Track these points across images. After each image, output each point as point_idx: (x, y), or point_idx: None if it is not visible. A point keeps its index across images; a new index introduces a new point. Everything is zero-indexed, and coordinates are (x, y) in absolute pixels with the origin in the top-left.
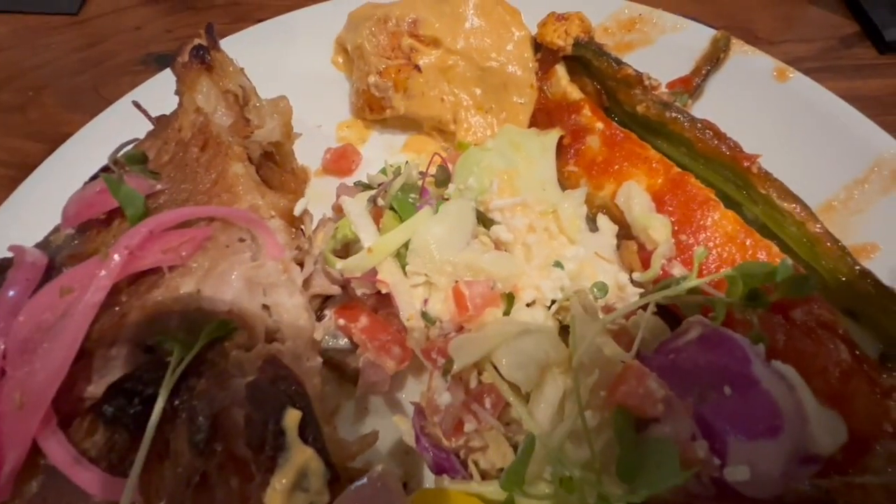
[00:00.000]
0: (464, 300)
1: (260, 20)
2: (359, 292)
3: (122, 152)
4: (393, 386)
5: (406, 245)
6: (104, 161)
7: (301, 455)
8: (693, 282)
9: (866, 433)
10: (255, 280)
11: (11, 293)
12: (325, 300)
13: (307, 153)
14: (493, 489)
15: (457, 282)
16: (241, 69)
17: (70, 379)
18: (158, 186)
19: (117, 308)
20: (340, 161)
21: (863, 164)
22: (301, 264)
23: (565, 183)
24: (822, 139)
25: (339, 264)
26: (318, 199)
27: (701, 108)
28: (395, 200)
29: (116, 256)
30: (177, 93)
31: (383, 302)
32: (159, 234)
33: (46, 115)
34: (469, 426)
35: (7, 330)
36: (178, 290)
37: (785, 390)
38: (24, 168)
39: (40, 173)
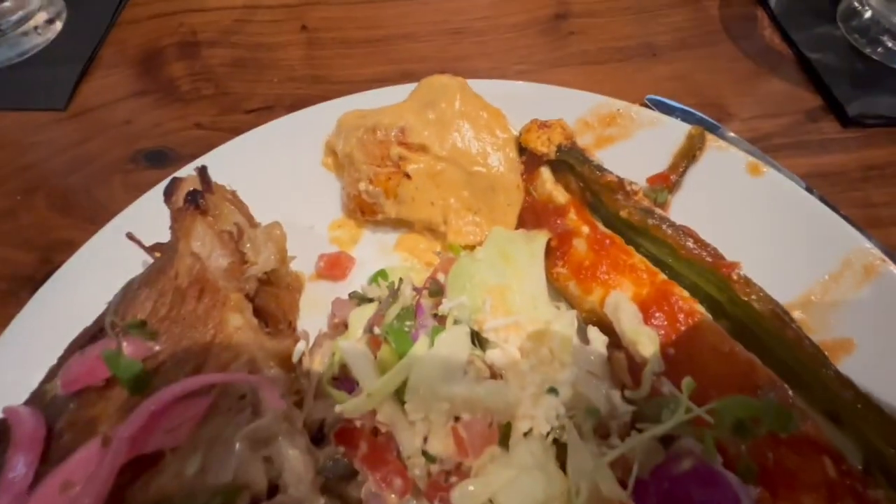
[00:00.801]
0: (463, 443)
1: (247, 111)
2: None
3: (117, 303)
4: None
5: (405, 383)
6: (98, 289)
7: None
8: (683, 414)
9: None
10: (256, 437)
11: (13, 475)
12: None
13: (300, 255)
14: None
15: (455, 422)
16: (234, 194)
17: None
18: (157, 348)
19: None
20: (334, 268)
21: (836, 260)
22: (300, 403)
23: (554, 284)
24: (796, 234)
25: (338, 407)
26: (312, 305)
27: (680, 201)
28: (392, 332)
29: (119, 446)
30: (171, 229)
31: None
32: (160, 411)
33: (38, 219)
34: None
35: None
36: (183, 473)
37: None
38: (16, 280)
39: (33, 305)
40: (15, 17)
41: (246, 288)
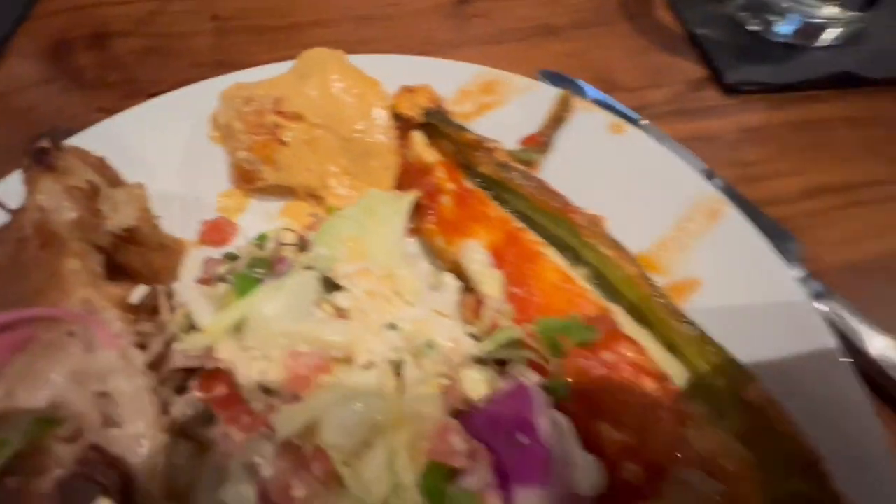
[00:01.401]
0: (296, 374)
1: (151, 94)
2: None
3: None
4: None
5: (244, 323)
6: None
7: None
8: (508, 337)
9: (665, 461)
10: (86, 371)
11: None
12: (193, 372)
13: (187, 224)
14: None
15: (289, 354)
16: (100, 160)
17: None
18: None
19: None
20: (215, 233)
21: (686, 206)
22: (143, 346)
23: (425, 240)
24: (650, 185)
25: (177, 346)
26: (196, 270)
27: (553, 161)
28: (237, 276)
29: None
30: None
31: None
32: None
33: None
34: (298, 492)
35: None
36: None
37: (557, 438)
38: None
39: None
40: None
41: (98, 241)
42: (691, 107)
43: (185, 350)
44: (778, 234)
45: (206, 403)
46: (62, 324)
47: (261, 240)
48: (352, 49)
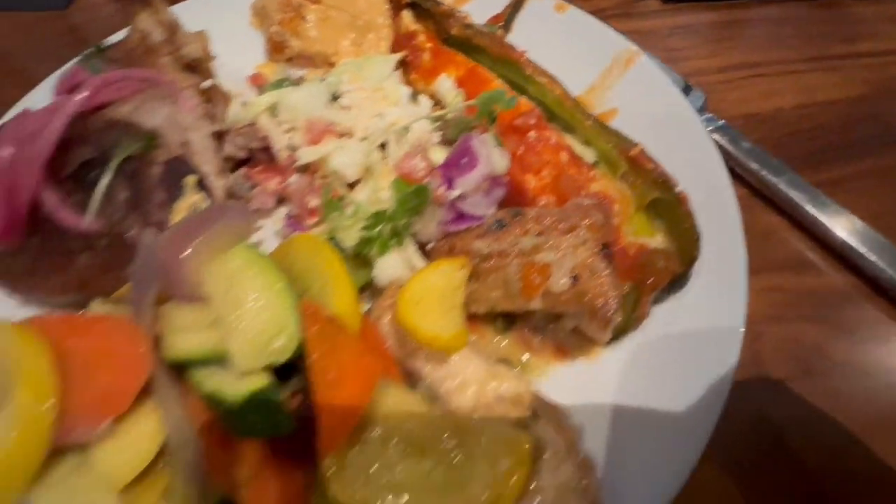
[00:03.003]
0: (311, 130)
1: None
2: (246, 144)
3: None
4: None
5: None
6: None
7: (193, 195)
8: (456, 108)
9: (571, 196)
10: (174, 119)
11: (11, 124)
12: (238, 165)
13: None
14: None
15: (308, 123)
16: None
17: (58, 160)
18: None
19: (86, 120)
20: (258, 79)
21: (608, 58)
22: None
23: (413, 87)
24: (585, 47)
25: (228, 116)
26: None
27: (512, 37)
28: (272, 85)
29: (82, 91)
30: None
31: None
32: (106, 84)
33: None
34: (313, 203)
35: (17, 132)
36: (120, 111)
37: (483, 148)
38: None
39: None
40: None
41: (177, 60)
42: (634, 12)
43: (232, 122)
44: (688, 90)
45: (247, 178)
46: (161, 88)
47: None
48: None
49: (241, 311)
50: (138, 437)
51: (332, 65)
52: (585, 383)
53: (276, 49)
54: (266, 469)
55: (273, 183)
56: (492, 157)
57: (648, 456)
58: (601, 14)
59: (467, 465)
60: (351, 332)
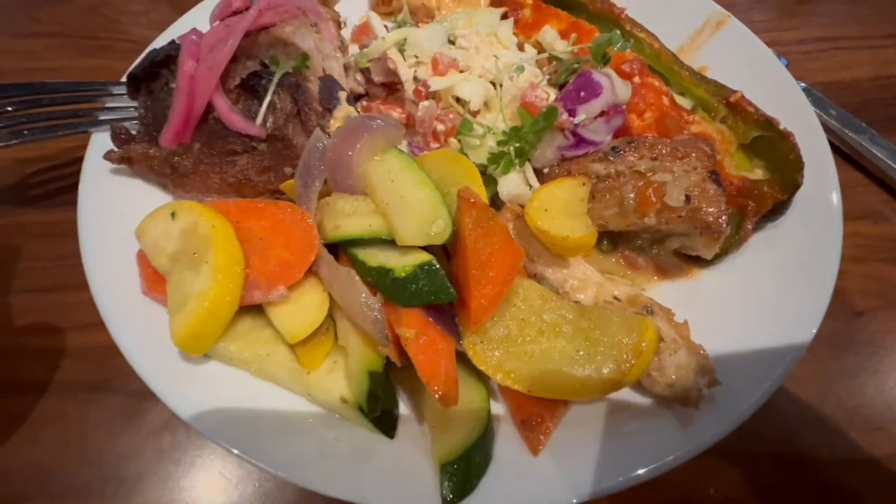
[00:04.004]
0: (438, 64)
1: None
2: (376, 79)
3: None
4: None
5: (405, 43)
6: None
7: (347, 109)
8: (567, 50)
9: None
10: (319, 46)
11: (194, 38)
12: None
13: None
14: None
15: (434, 57)
16: None
17: (227, 71)
18: None
19: (250, 38)
20: (364, 28)
21: (699, 21)
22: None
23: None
24: (677, 9)
25: (366, 50)
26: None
27: None
28: (397, 24)
29: (252, 12)
30: None
31: (392, 94)
32: (271, 7)
33: (163, 17)
34: (441, 127)
35: (199, 46)
36: (281, 32)
37: (606, 80)
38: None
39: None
40: None
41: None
42: None
43: (368, 54)
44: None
45: (367, 110)
46: (311, 17)
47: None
48: None
49: (404, 201)
50: (308, 304)
51: (432, 18)
52: (683, 299)
53: (383, 1)
54: (427, 331)
55: (395, 113)
56: (616, 86)
57: (738, 364)
58: None
59: (602, 340)
60: (497, 220)
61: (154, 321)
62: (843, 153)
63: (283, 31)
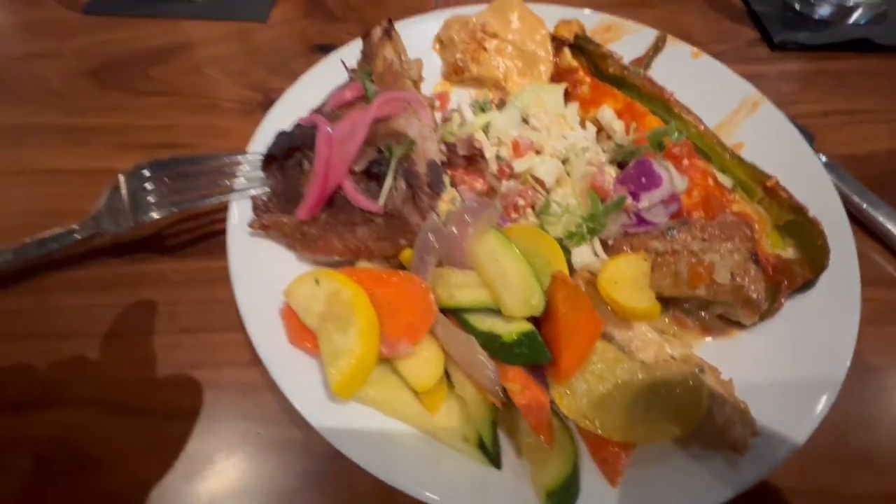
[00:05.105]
0: (518, 147)
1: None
2: (460, 152)
3: (349, 78)
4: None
5: (489, 125)
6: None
7: (451, 193)
8: (630, 143)
9: (717, 213)
10: (421, 131)
11: (328, 129)
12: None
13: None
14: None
15: (514, 140)
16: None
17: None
18: (376, 88)
19: (371, 131)
20: (439, 99)
21: (736, 101)
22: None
23: None
24: (715, 88)
25: (455, 134)
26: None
27: (650, 75)
28: (483, 105)
29: (372, 110)
30: (367, 56)
31: (472, 165)
32: (386, 102)
33: (258, 78)
34: (521, 202)
35: (332, 138)
36: (395, 124)
37: (665, 172)
38: (249, 104)
39: (283, 100)
40: None
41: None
42: (746, 57)
43: (458, 133)
44: (800, 130)
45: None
46: (412, 104)
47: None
48: None
49: (506, 277)
50: (429, 358)
51: (500, 88)
52: (724, 356)
53: (456, 72)
54: (529, 385)
55: (478, 183)
56: (674, 178)
57: (773, 414)
58: (719, 57)
59: (666, 395)
60: (583, 296)
61: (301, 362)
62: (860, 222)
63: (397, 123)
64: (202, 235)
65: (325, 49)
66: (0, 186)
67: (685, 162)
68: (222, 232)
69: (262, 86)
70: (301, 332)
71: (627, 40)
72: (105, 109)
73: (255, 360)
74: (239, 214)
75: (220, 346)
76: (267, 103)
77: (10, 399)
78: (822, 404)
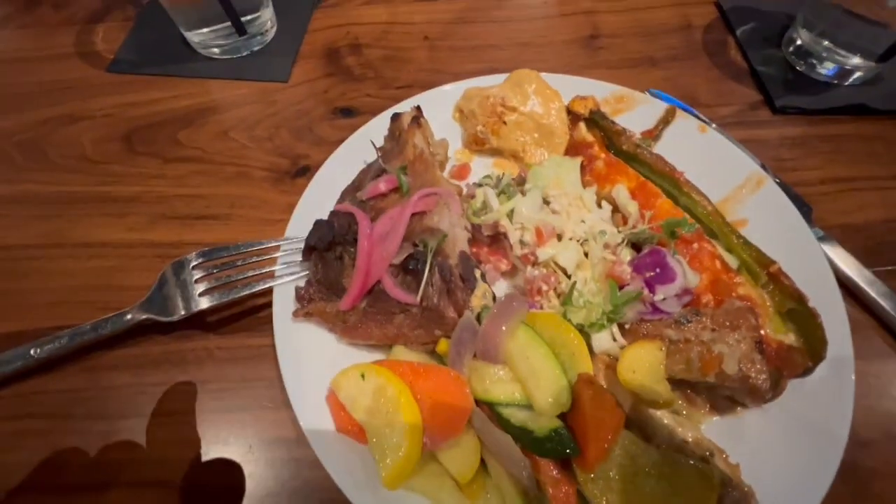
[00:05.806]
0: (542, 234)
1: (396, 87)
2: (486, 233)
3: (378, 165)
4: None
5: (512, 211)
6: (346, 175)
7: (483, 287)
8: (645, 229)
9: (724, 298)
10: (452, 221)
11: (368, 231)
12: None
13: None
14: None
15: (537, 227)
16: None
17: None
18: (408, 179)
19: (408, 226)
20: (461, 170)
21: (741, 177)
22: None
23: (586, 187)
24: (721, 163)
25: (481, 219)
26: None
27: (659, 147)
28: (505, 189)
29: (409, 208)
30: (395, 138)
31: (496, 243)
32: (421, 199)
33: (284, 143)
34: (544, 286)
35: (373, 235)
36: (430, 221)
37: (678, 266)
38: (279, 172)
39: (316, 179)
40: (256, 24)
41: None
42: (748, 120)
43: (484, 221)
44: (800, 203)
45: (476, 257)
46: (443, 197)
47: (489, 177)
48: (519, 65)
49: (536, 376)
50: (467, 449)
51: (517, 158)
52: (729, 433)
53: (477, 143)
54: (558, 476)
55: (503, 264)
56: (687, 274)
57: (775, 499)
58: (721, 121)
59: (680, 483)
60: (608, 394)
61: (346, 445)
62: (854, 296)
63: (431, 220)
64: (245, 311)
65: (347, 112)
66: (45, 259)
67: (695, 246)
68: (262, 308)
69: (289, 151)
70: (348, 422)
71: (640, 111)
72: (138, 177)
73: (302, 439)
74: (282, 302)
75: (264, 424)
76: (295, 171)
77: (68, 482)
78: (820, 484)
